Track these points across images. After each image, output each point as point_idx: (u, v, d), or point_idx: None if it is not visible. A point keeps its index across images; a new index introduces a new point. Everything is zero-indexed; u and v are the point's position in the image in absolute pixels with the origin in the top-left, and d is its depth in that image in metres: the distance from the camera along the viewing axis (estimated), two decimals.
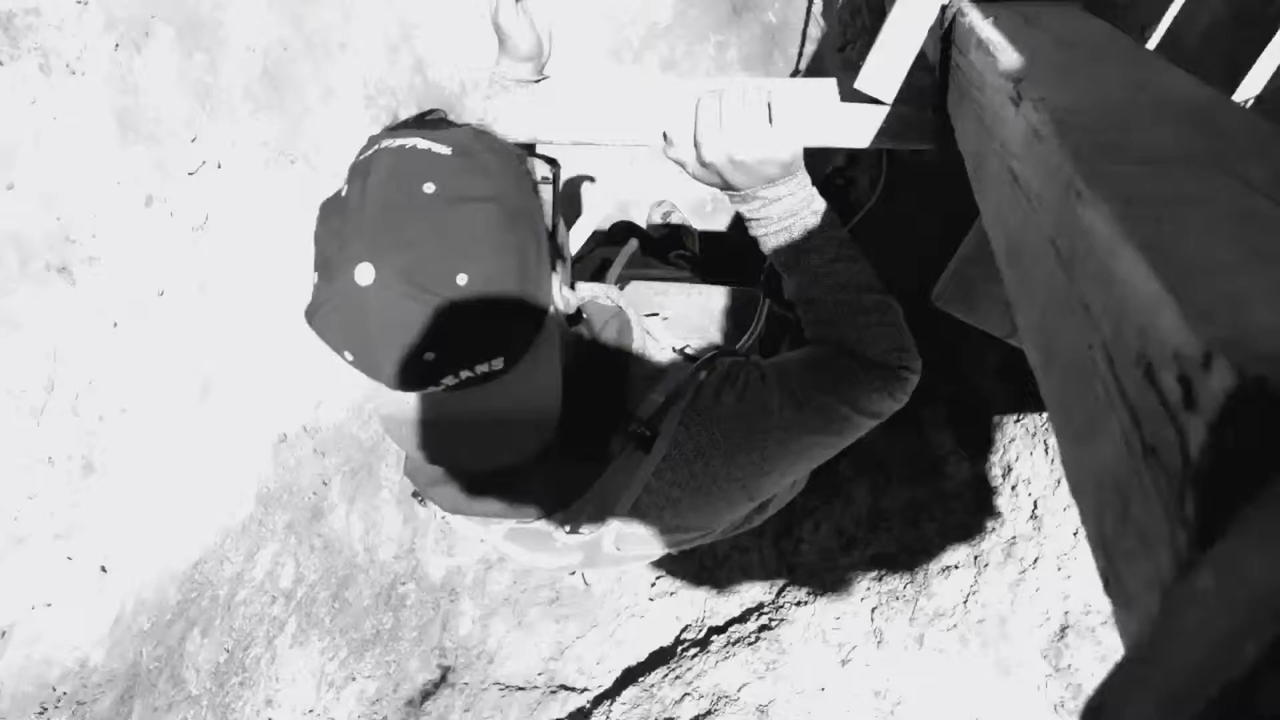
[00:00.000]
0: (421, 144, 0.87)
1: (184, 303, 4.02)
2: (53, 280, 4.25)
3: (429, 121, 0.95)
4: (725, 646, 2.26)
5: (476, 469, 1.03)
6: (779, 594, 2.33)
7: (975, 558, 2.10)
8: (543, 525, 1.09)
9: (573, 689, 2.53)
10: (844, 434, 1.13)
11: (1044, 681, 1.93)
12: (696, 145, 1.21)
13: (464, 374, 0.87)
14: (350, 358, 0.87)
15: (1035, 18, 0.97)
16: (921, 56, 1.32)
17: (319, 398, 3.52)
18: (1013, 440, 2.18)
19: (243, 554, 3.53)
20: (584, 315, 1.14)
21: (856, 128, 1.35)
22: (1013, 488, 2.13)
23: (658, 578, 2.53)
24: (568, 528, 1.09)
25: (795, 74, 2.82)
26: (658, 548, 1.18)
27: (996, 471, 2.19)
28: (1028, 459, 2.13)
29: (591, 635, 2.59)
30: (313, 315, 0.86)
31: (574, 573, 1.22)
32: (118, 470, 4.09)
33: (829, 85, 1.54)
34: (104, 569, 4.04)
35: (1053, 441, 2.11)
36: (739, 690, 2.16)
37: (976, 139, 0.88)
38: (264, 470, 3.61)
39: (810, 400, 1.10)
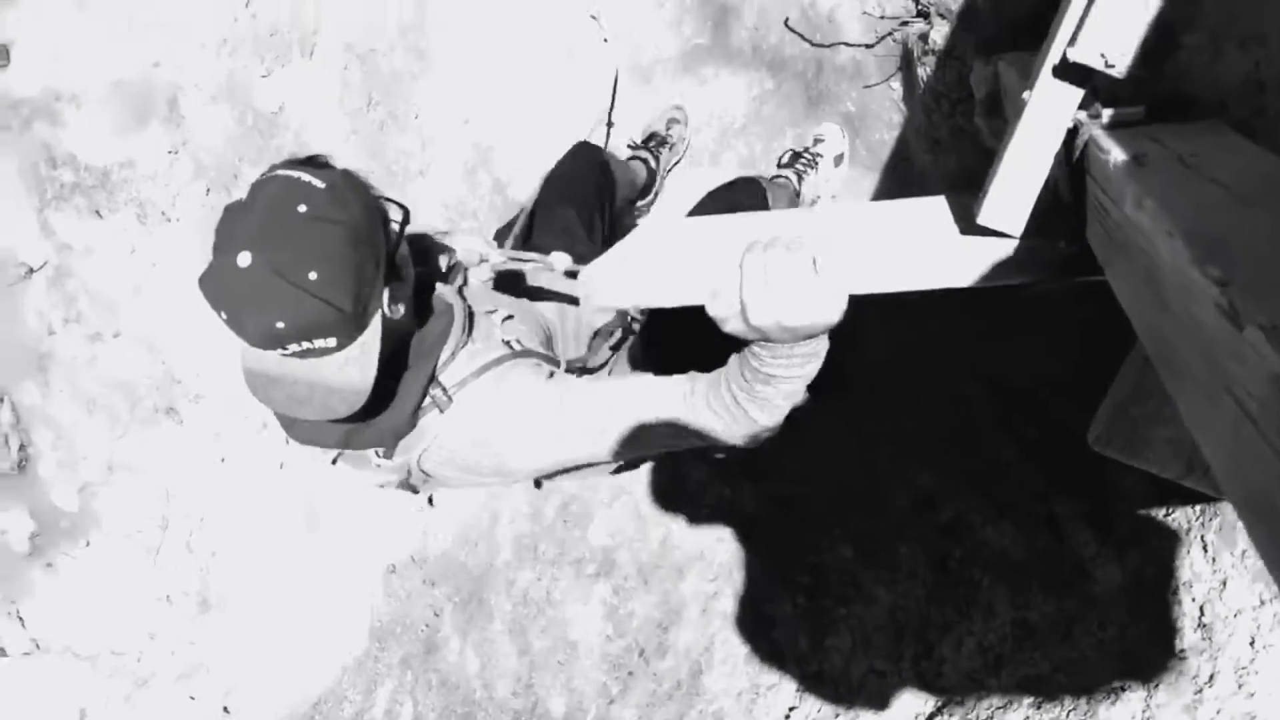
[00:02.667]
0: (304, 177, 1.20)
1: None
2: (161, 421, 4.37)
3: (317, 162, 1.29)
4: None
5: (304, 418, 1.31)
6: None
7: (1142, 677, 1.92)
8: (366, 452, 1.45)
9: None
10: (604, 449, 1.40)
11: None
12: (743, 305, 1.14)
13: (304, 345, 1.20)
14: (224, 317, 1.19)
15: (1193, 159, 0.88)
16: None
17: (424, 527, 3.50)
18: (1164, 539, 2.01)
19: (361, 692, 3.50)
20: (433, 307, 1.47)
21: (967, 265, 1.24)
22: (1172, 592, 1.96)
23: (791, 708, 2.40)
24: (382, 453, 1.44)
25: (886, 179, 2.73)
26: (458, 482, 1.54)
27: (1150, 574, 2.02)
28: (1184, 559, 1.96)
29: None
30: (202, 280, 1.20)
31: (395, 488, 1.59)
32: (233, 606, 4.13)
33: (919, 215, 1.44)
34: (226, 710, 4.06)
35: (1211, 538, 1.94)
36: None
37: (1155, 315, 0.78)
38: (376, 602, 3.59)
39: (580, 421, 1.37)
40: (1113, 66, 1.05)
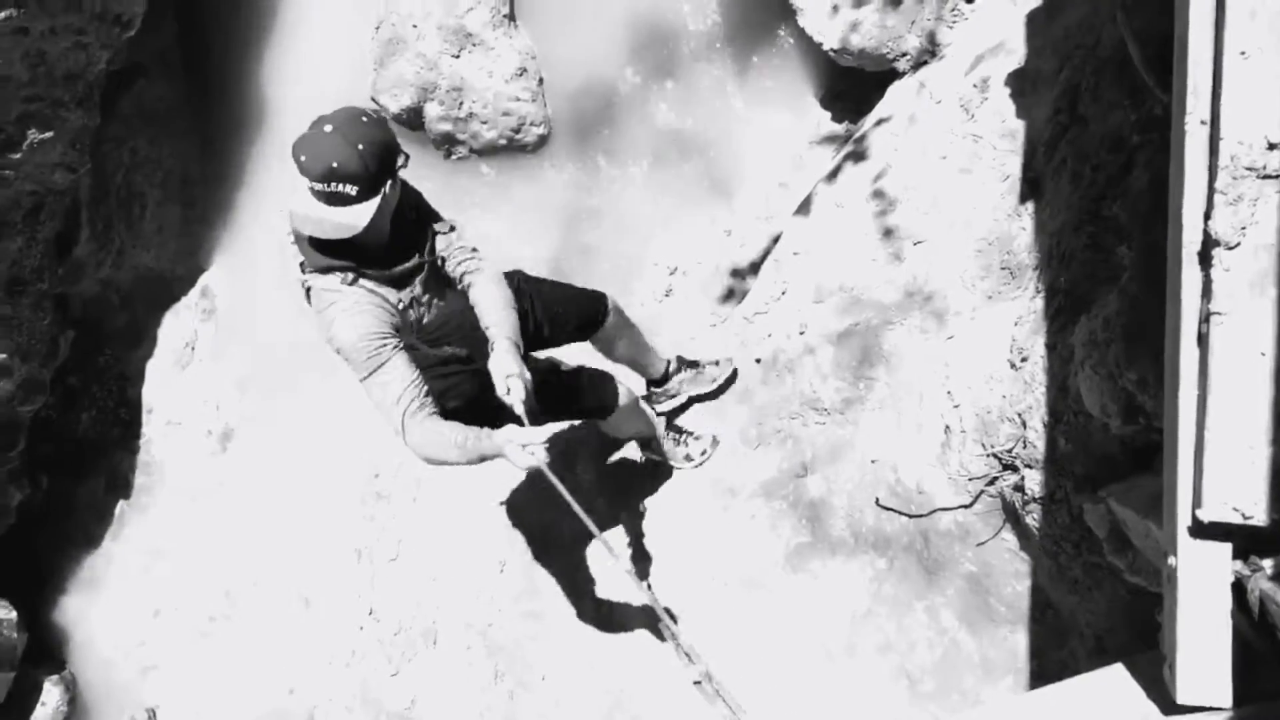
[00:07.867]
0: (366, 112, 2.14)
1: None
2: None
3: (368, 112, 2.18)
4: None
5: (319, 235, 2.16)
6: None
7: None
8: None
9: None
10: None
11: None
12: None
13: (336, 186, 2.05)
14: (302, 159, 2.06)
15: None
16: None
17: None
18: None
19: None
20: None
21: None
22: None
23: None
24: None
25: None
26: None
27: None
28: None
29: None
30: (297, 142, 2.08)
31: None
32: None
33: (1106, 699, 1.32)
34: None
35: None
36: None
37: None
38: None
39: None
40: (1251, 517, 1.01)
